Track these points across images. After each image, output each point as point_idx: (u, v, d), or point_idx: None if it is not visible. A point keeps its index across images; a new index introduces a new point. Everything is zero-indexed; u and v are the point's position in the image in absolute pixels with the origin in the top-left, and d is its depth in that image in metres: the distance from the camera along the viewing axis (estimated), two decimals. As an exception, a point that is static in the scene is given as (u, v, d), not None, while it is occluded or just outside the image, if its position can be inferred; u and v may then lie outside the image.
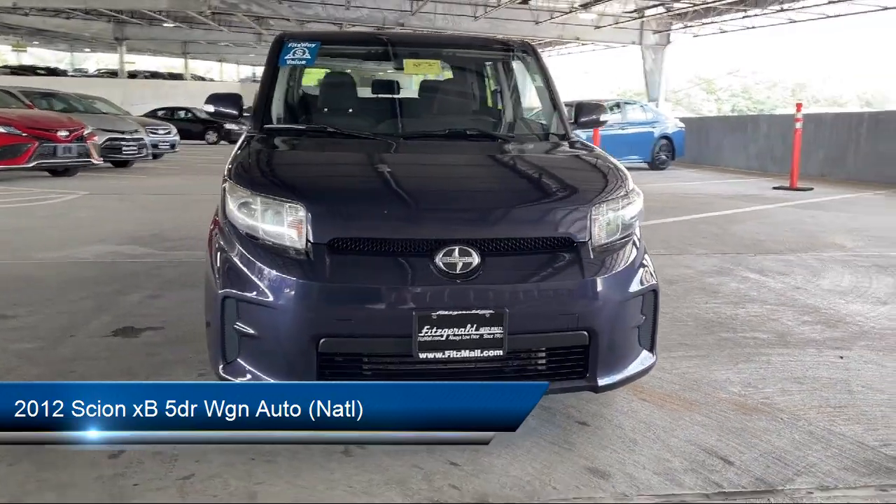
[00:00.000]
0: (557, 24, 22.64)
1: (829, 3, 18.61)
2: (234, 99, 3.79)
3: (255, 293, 2.62)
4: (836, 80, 69.68)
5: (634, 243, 2.91)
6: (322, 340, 2.55)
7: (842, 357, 3.92)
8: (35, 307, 4.50)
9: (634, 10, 22.96)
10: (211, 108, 3.82)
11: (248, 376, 2.67)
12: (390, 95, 3.87)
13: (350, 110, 3.86)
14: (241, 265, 2.69)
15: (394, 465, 2.63)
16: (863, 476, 2.65)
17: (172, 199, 9.81)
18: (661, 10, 22.36)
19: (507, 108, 3.99)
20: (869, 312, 4.79)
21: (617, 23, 23.59)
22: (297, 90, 3.90)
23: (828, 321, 4.56)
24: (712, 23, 23.70)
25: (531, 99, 4.27)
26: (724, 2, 19.86)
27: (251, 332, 2.64)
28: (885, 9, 17.91)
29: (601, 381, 2.73)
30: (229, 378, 2.71)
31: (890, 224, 8.69)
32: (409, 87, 4.07)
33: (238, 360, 2.69)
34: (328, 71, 4.00)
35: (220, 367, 2.73)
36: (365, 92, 3.94)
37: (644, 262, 2.89)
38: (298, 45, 3.81)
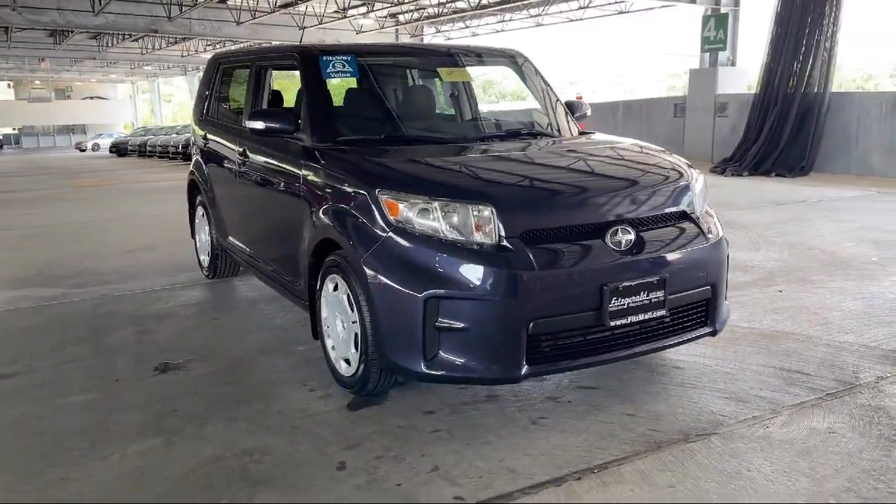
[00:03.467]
0: (321, 29, 22.86)
1: (574, 10, 21.27)
2: (285, 115, 3.77)
3: (461, 289, 2.83)
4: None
5: (712, 212, 3.56)
6: (531, 323, 2.84)
7: (781, 291, 4.96)
8: (23, 361, 4.00)
9: (388, 15, 23.97)
10: (260, 125, 3.77)
11: (453, 367, 2.88)
12: (435, 102, 4.10)
13: (406, 118, 4.02)
14: (436, 267, 2.86)
15: (590, 425, 3.01)
16: (891, 366, 3.57)
17: (-11, 237, 8.59)
18: (415, 15, 23.64)
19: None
20: (756, 258, 5.99)
21: (382, 28, 24.43)
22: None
23: (740, 268, 5.64)
24: (466, 27, 25.59)
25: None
26: (489, 9, 21.61)
27: (458, 325, 2.84)
28: (622, 13, 20.91)
29: (717, 327, 3.34)
30: (434, 372, 2.89)
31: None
32: (443, 94, 4.32)
33: (440, 353, 2.88)
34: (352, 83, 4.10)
35: (422, 364, 2.89)
36: (408, 99, 4.12)
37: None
38: (335, 59, 3.90)
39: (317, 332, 3.65)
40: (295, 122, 3.76)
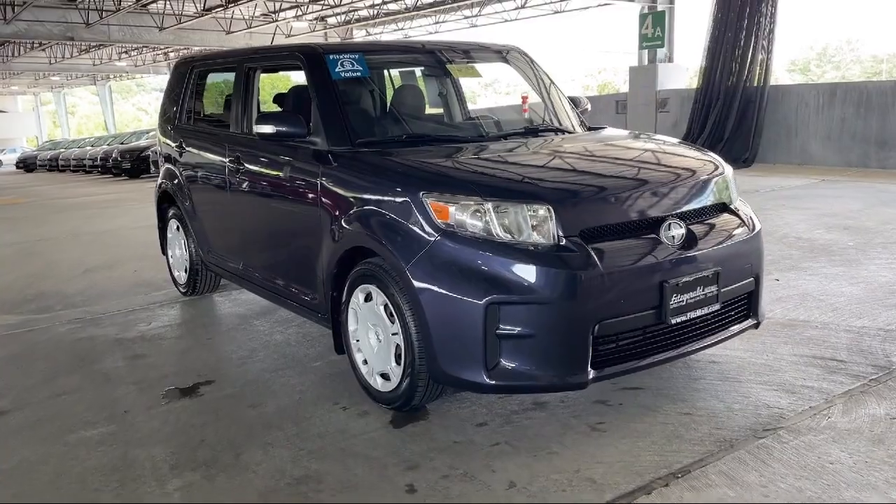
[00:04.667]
0: (248, 32, 22.21)
1: (510, 10, 21.38)
2: (297, 118, 3.55)
3: (523, 294, 2.69)
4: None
5: (745, 203, 3.54)
6: (597, 325, 2.73)
7: (777, 280, 5.01)
8: (12, 396, 3.63)
9: (317, 19, 23.56)
10: (269, 129, 3.53)
11: (517, 376, 2.74)
12: (441, 100, 3.93)
13: (420, 117, 3.84)
14: (494, 271, 2.71)
15: (650, 428, 2.92)
16: (916, 347, 3.63)
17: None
18: (345, 18, 23.33)
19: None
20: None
21: (312, 31, 23.95)
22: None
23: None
24: (400, 30, 25.37)
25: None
26: (423, 11, 21.47)
27: (521, 331, 2.70)
28: (557, 12, 21.14)
29: (760, 319, 3.31)
30: (497, 383, 2.74)
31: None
32: (448, 92, 4.18)
33: (502, 362, 2.73)
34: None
35: (485, 374, 2.74)
36: (420, 98, 3.94)
37: None
38: (344, 58, 3.70)
39: (341, 346, 3.45)
40: (306, 125, 3.54)
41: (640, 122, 14.30)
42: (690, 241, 2.98)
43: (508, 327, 2.71)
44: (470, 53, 4.20)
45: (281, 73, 5.50)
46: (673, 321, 2.88)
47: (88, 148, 26.83)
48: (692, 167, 3.31)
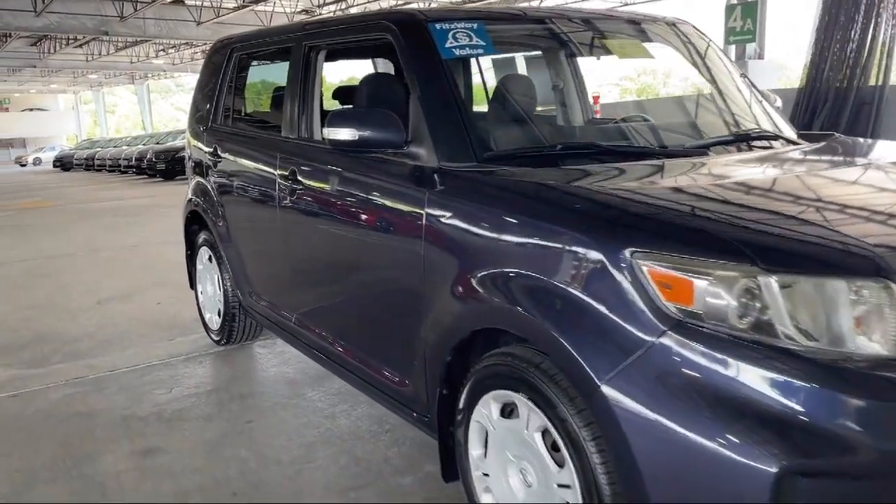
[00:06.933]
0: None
1: (571, 1, 20.07)
2: (390, 118, 2.32)
3: (843, 456, 1.41)
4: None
5: None
6: None
7: None
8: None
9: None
10: (348, 135, 2.31)
11: None
12: (558, 94, 2.69)
13: (562, 119, 2.61)
14: (785, 408, 1.44)
15: None
16: None
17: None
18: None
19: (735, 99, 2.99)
20: None
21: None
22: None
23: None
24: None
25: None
26: (471, 4, 20.29)
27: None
28: (626, 4, 19.77)
29: None
30: None
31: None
32: (568, 83, 2.94)
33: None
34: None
35: None
36: (554, 91, 2.70)
37: None
38: (456, 28, 2.45)
39: (454, 471, 2.22)
40: (404, 132, 2.31)
41: (721, 126, 12.87)
42: None
43: (818, 516, 1.43)
44: (629, 25, 2.92)
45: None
46: None
47: (124, 148, 26.29)
48: None
